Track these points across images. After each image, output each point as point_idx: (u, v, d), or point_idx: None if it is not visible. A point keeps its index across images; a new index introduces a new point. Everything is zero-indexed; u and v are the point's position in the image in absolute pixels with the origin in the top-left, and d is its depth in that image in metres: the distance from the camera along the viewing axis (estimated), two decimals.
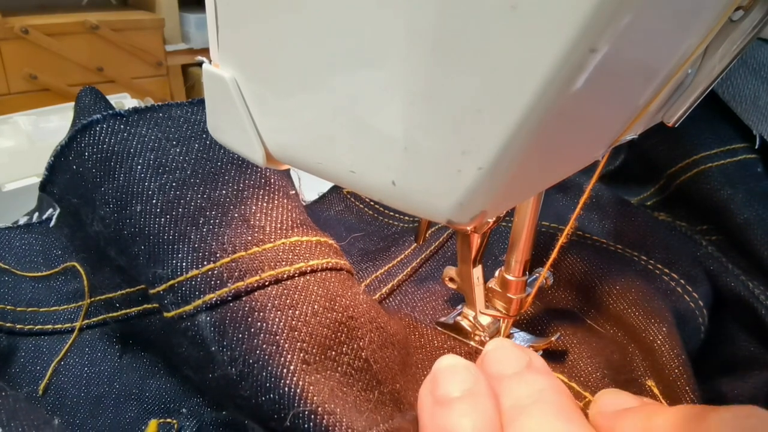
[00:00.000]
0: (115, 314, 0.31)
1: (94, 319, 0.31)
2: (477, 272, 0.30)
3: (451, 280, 0.31)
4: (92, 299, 0.31)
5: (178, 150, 0.28)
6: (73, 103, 0.34)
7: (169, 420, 0.27)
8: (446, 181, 0.16)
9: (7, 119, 0.67)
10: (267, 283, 0.25)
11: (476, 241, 0.29)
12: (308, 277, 0.26)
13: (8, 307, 0.31)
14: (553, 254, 0.29)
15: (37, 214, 0.37)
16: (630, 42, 0.14)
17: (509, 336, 0.31)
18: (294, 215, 0.28)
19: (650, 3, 0.13)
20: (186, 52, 1.77)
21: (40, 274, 0.33)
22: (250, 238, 0.26)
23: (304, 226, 0.28)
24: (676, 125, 0.23)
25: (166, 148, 0.28)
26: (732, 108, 0.38)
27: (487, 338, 0.30)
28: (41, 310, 0.32)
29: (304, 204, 0.43)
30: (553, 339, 0.29)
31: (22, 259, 0.34)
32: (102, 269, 0.32)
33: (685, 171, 0.40)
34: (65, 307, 0.32)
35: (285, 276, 0.25)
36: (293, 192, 0.30)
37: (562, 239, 0.29)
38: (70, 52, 1.55)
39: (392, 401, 0.25)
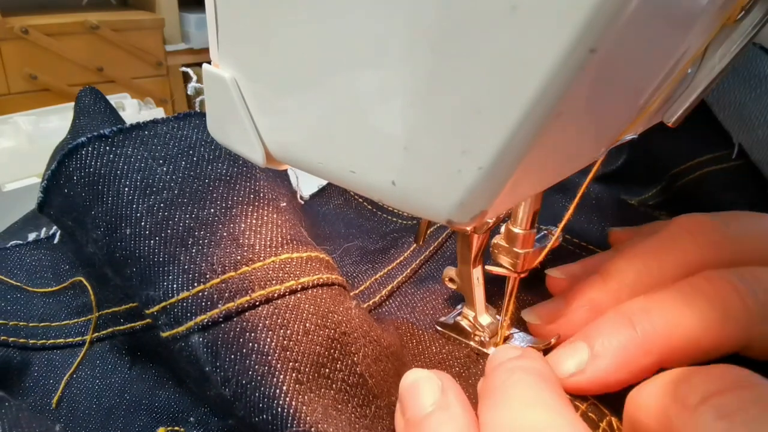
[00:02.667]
0: (121, 328, 0.31)
1: (103, 332, 0.32)
2: (477, 272, 0.30)
3: (451, 280, 0.31)
4: (100, 313, 0.32)
5: (164, 169, 0.28)
6: (73, 103, 0.34)
7: (177, 428, 0.28)
8: (446, 181, 0.16)
9: (7, 119, 0.67)
10: (257, 303, 0.25)
11: (476, 241, 0.29)
12: (299, 295, 0.25)
13: (21, 323, 0.32)
14: (567, 214, 0.28)
15: (44, 229, 0.37)
16: (630, 42, 0.14)
17: (509, 336, 0.31)
18: (284, 230, 0.28)
19: (650, 4, 0.13)
20: (186, 52, 1.77)
21: (50, 289, 0.34)
22: (239, 257, 0.26)
23: (295, 242, 0.28)
24: (676, 125, 0.23)
25: (152, 168, 0.28)
26: (714, 113, 0.38)
27: (487, 338, 0.30)
28: (53, 324, 0.32)
29: (302, 201, 0.43)
30: (552, 341, 0.29)
31: (33, 275, 0.34)
32: (106, 283, 0.32)
33: (689, 173, 0.40)
34: (75, 321, 0.32)
35: (275, 295, 0.25)
36: (284, 204, 0.29)
37: (577, 199, 0.28)
38: (70, 52, 1.55)
39: (389, 415, 0.25)
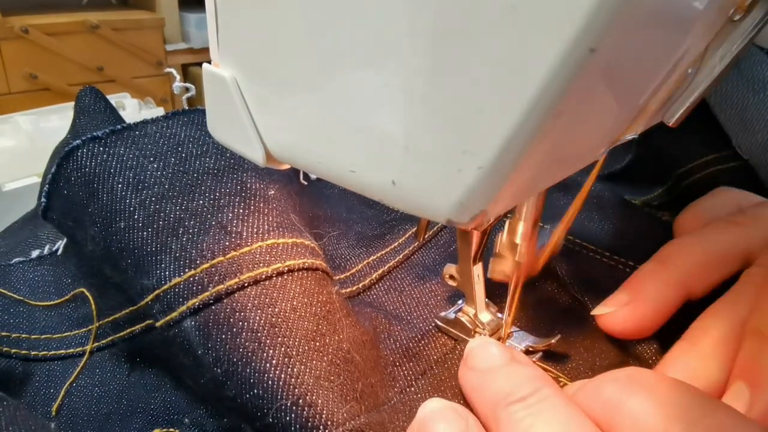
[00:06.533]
0: (121, 334, 0.32)
1: (103, 341, 0.32)
2: (477, 270, 0.30)
3: (451, 277, 0.31)
4: (100, 322, 0.33)
5: (155, 166, 0.29)
6: (73, 103, 0.34)
7: (172, 430, 0.28)
8: (446, 181, 0.16)
9: (8, 119, 0.67)
10: (246, 284, 0.26)
11: (476, 238, 0.29)
12: (286, 277, 0.27)
13: (23, 335, 0.33)
14: (569, 216, 0.28)
15: (48, 246, 0.38)
16: (630, 42, 0.14)
17: (509, 335, 0.31)
18: (270, 218, 0.29)
19: (650, 4, 0.13)
20: (186, 51, 1.77)
21: (52, 302, 0.35)
22: (228, 243, 0.27)
23: (281, 228, 0.29)
24: (676, 125, 0.23)
25: (143, 165, 0.29)
26: (716, 114, 0.38)
27: (488, 336, 0.30)
28: (54, 336, 0.33)
29: (305, 183, 0.43)
30: (553, 341, 0.29)
31: (36, 290, 0.36)
32: (107, 292, 0.33)
33: (695, 172, 0.39)
34: (76, 332, 0.33)
35: (263, 276, 0.26)
36: (272, 192, 0.31)
37: (580, 201, 0.28)
38: (71, 51, 1.55)
39: (372, 395, 0.26)
